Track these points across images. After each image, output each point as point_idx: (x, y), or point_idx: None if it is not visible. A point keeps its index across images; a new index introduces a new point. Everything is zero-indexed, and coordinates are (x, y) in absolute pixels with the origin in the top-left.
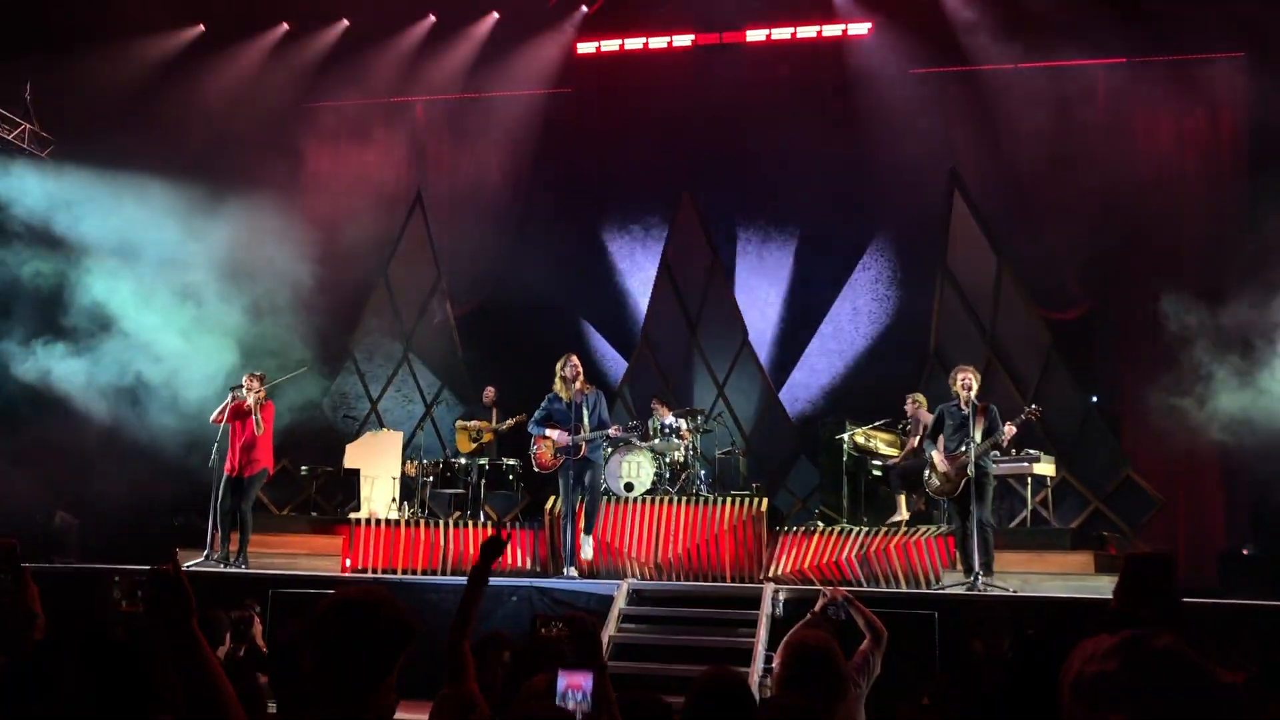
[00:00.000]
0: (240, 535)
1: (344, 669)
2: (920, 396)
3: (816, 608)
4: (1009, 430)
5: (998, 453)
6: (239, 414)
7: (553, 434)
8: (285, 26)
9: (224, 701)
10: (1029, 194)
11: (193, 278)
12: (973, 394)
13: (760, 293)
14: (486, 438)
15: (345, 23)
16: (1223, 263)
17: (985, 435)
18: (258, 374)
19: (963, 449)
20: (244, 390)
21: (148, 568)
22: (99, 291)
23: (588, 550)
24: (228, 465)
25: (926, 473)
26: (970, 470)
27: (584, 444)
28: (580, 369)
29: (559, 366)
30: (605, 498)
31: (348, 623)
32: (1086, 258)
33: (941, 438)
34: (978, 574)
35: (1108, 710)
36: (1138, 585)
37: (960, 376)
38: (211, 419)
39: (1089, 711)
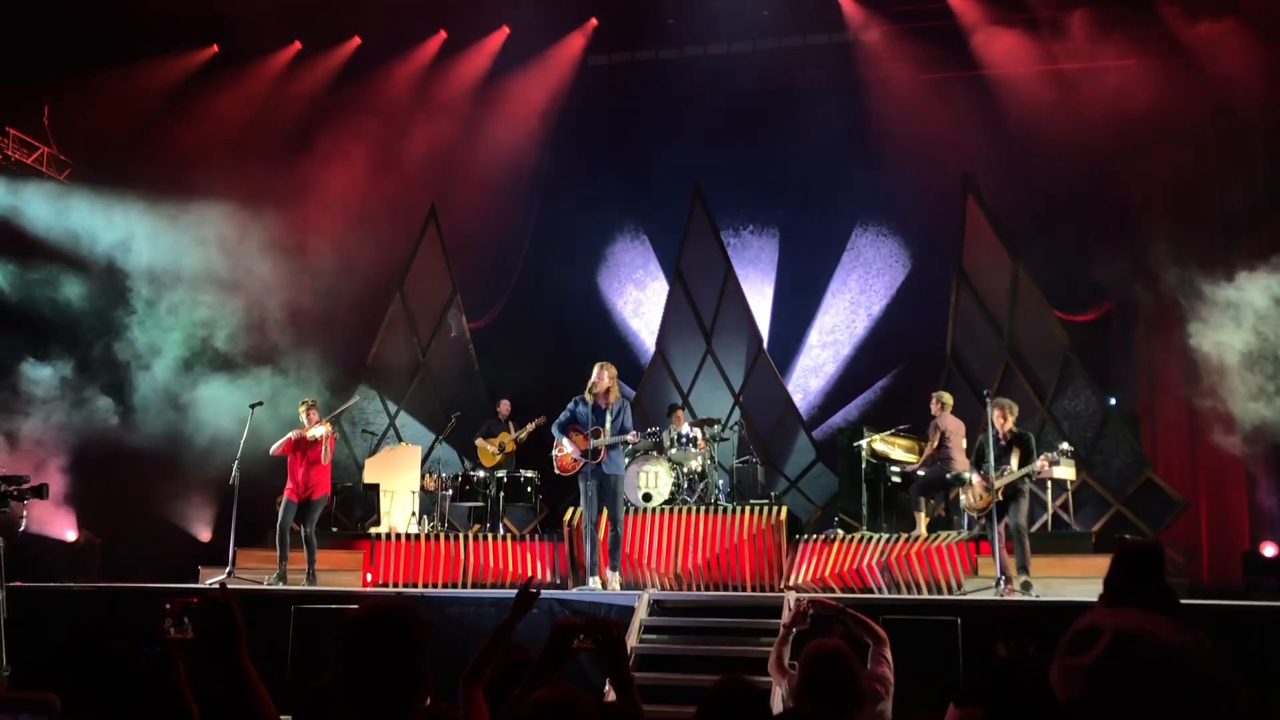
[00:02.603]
0: (307, 556)
1: (371, 681)
2: (946, 396)
3: (786, 620)
4: (1042, 465)
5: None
6: (302, 445)
7: (568, 445)
8: (298, 45)
9: None
10: (1044, 196)
11: (210, 298)
12: (1008, 426)
13: (781, 303)
14: (510, 448)
15: (357, 40)
16: (1243, 261)
17: (1022, 463)
18: (311, 401)
19: (998, 473)
20: (303, 419)
21: (196, 591)
22: (125, 313)
23: (614, 583)
24: (290, 489)
25: (962, 493)
26: (999, 495)
27: (604, 449)
28: (609, 378)
29: (595, 370)
30: (625, 509)
31: (366, 636)
32: (1103, 258)
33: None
34: (1000, 579)
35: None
36: (1126, 575)
37: (995, 413)
38: (274, 450)
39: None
